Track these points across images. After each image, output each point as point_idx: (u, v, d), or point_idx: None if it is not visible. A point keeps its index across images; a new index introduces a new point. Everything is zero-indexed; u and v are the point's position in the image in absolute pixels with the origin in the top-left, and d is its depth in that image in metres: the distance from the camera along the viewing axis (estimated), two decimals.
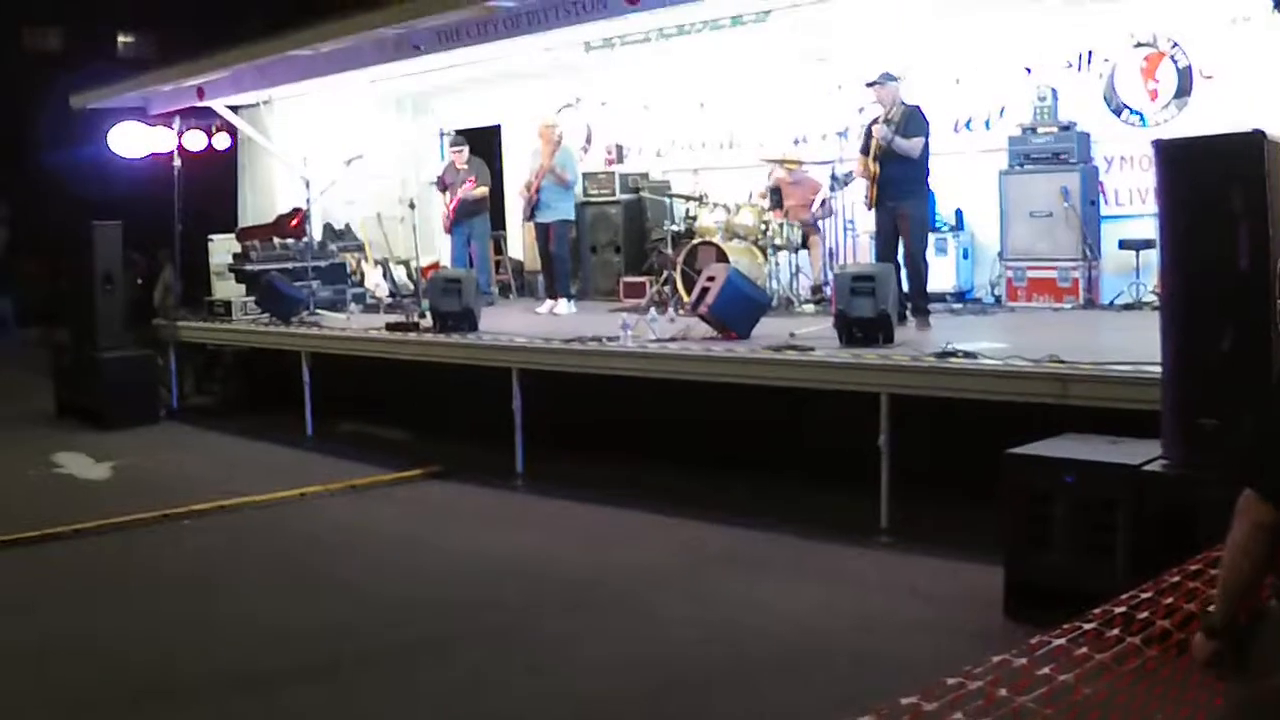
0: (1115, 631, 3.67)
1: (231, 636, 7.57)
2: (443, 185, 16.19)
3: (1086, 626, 3.66)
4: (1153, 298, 11.58)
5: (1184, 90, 12.57)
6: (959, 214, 14.02)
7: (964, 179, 13.59)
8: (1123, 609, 3.80)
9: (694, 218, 14.80)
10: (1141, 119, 12.90)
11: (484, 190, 16.04)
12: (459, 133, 17.41)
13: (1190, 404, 6.62)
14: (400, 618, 7.83)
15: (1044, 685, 3.26)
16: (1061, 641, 3.53)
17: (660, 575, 8.60)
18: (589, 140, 17.42)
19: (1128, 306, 12.34)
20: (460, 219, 15.96)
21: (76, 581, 8.95)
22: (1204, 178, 6.54)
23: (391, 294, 17.18)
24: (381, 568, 9.08)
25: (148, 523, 10.37)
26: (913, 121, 11.58)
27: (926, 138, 11.63)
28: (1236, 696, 3.14)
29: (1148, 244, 11.89)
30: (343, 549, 9.70)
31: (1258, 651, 3.07)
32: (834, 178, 13.64)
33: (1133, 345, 8.50)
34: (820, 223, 14.21)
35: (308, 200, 16.23)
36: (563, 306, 14.72)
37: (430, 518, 10.65)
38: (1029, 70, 13.54)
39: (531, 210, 15.06)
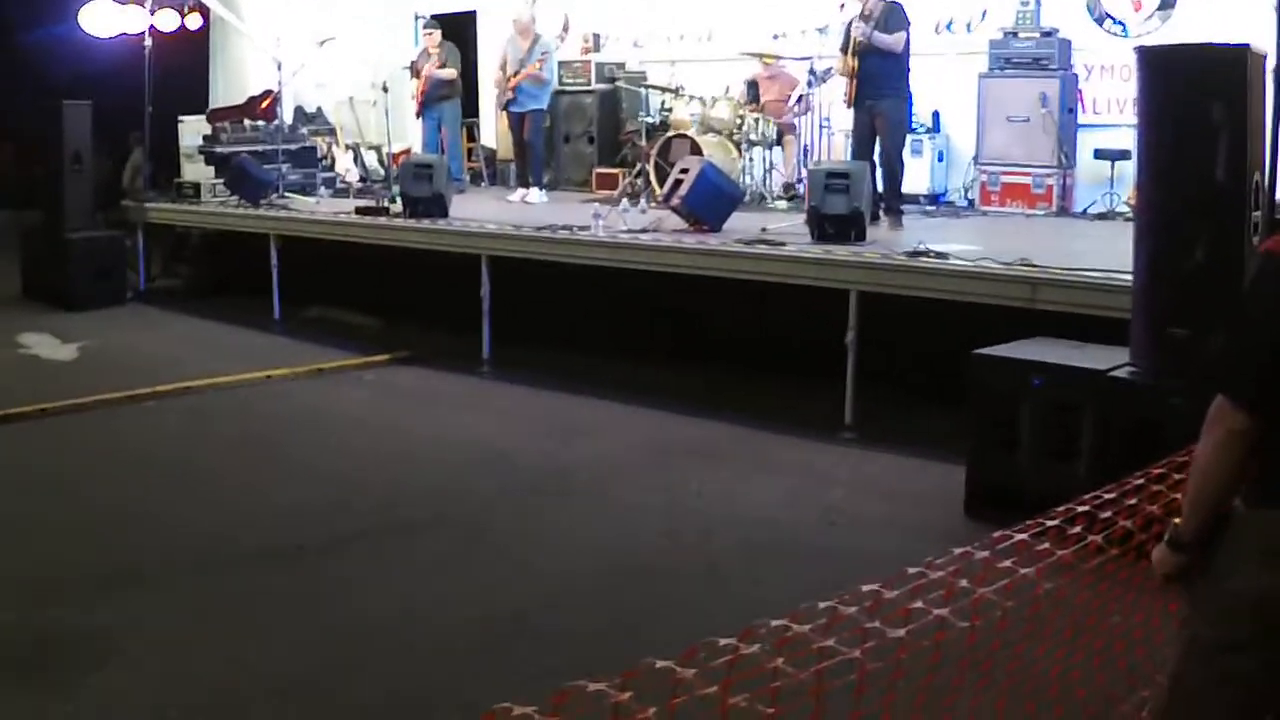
0: (1077, 530, 3.69)
1: (197, 518, 7.57)
2: (416, 71, 16.02)
3: (1049, 524, 3.68)
4: (1126, 209, 11.58)
5: (1168, 2, 12.48)
6: (936, 116, 13.95)
7: (942, 81, 13.49)
8: (1085, 509, 3.82)
9: (669, 110, 14.70)
10: (1124, 29, 12.82)
11: (453, 73, 15.86)
12: (433, 16, 17.21)
13: (1161, 313, 6.64)
14: (366, 502, 7.84)
15: (1005, 578, 3.28)
16: (1024, 537, 3.55)
17: (625, 465, 8.64)
18: (566, 29, 17.23)
19: (1100, 216, 12.32)
20: (430, 103, 15.79)
21: (41, 462, 8.91)
22: (1185, 88, 6.51)
23: (362, 179, 17.07)
24: (345, 452, 9.08)
25: (113, 403, 10.33)
26: (893, 16, 11.46)
27: (908, 33, 11.51)
28: (1198, 598, 3.16)
29: (1123, 154, 11.86)
30: (307, 432, 9.70)
31: (1220, 555, 3.07)
32: (812, 73, 13.55)
33: (1104, 253, 8.52)
34: (796, 120, 14.13)
35: (279, 82, 16.06)
36: (534, 195, 14.63)
37: (396, 403, 10.64)
38: None
39: (506, 102, 14.93)
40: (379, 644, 5.80)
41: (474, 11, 18.62)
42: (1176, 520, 3.20)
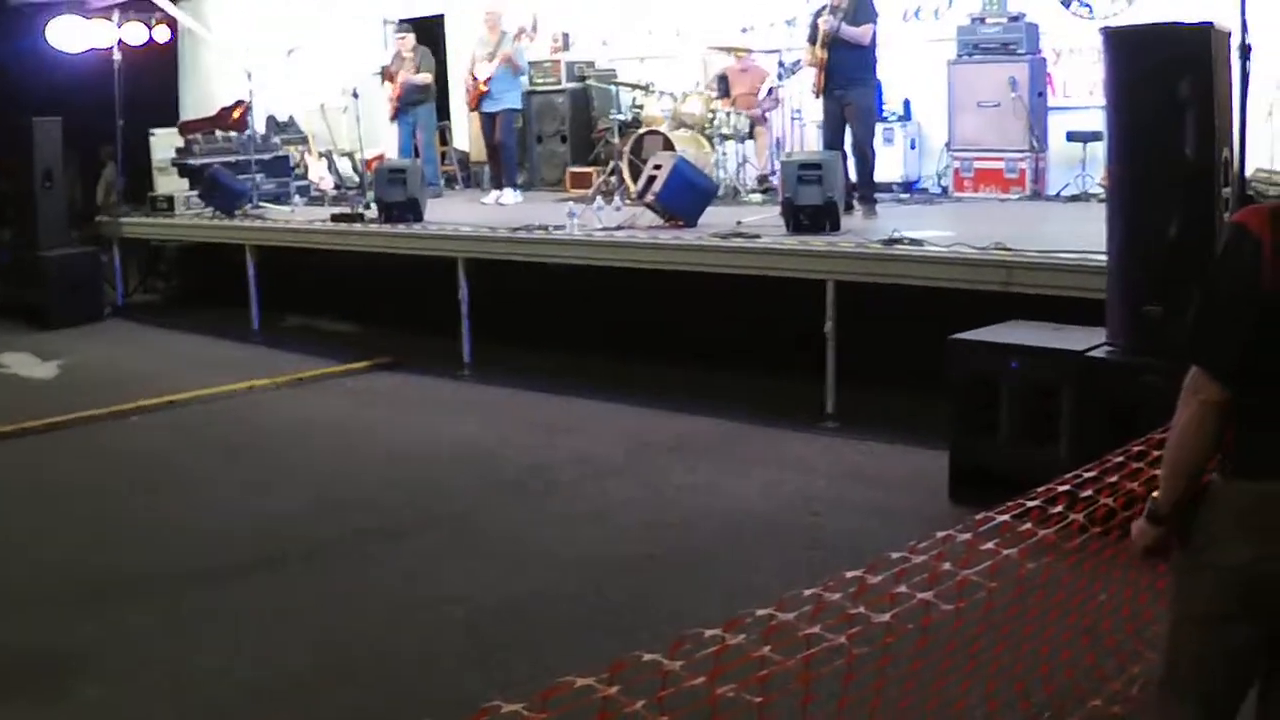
0: (1059, 510, 3.71)
1: (182, 531, 7.57)
2: (388, 76, 15.98)
3: (1030, 505, 3.70)
4: (1099, 190, 11.60)
5: None
6: (906, 104, 13.96)
7: (912, 69, 13.51)
8: (1066, 488, 3.84)
9: (640, 107, 14.71)
10: (1090, 11, 12.84)
11: (428, 77, 15.83)
12: (403, 21, 17.17)
13: (1136, 291, 6.65)
14: (349, 508, 7.85)
15: (988, 560, 3.30)
16: (1006, 519, 3.57)
17: (607, 462, 8.64)
18: (534, 28, 17.20)
19: (1074, 198, 12.33)
20: (405, 108, 15.76)
21: (24, 480, 8.90)
22: (1152, 67, 6.52)
23: (336, 186, 17.06)
24: (330, 459, 9.08)
25: (95, 419, 10.31)
26: (861, 8, 11.48)
27: (875, 24, 11.54)
28: (1180, 572, 3.17)
29: (1095, 136, 11.87)
30: (290, 441, 9.69)
31: (1198, 527, 3.09)
32: (781, 66, 13.57)
33: (1079, 235, 8.55)
34: (767, 112, 14.14)
35: (250, 92, 16.02)
36: (509, 196, 14.61)
37: (378, 409, 10.64)
38: None
39: (478, 100, 14.90)
40: (367, 648, 5.81)
41: (442, 15, 18.59)
42: (1155, 494, 3.22)
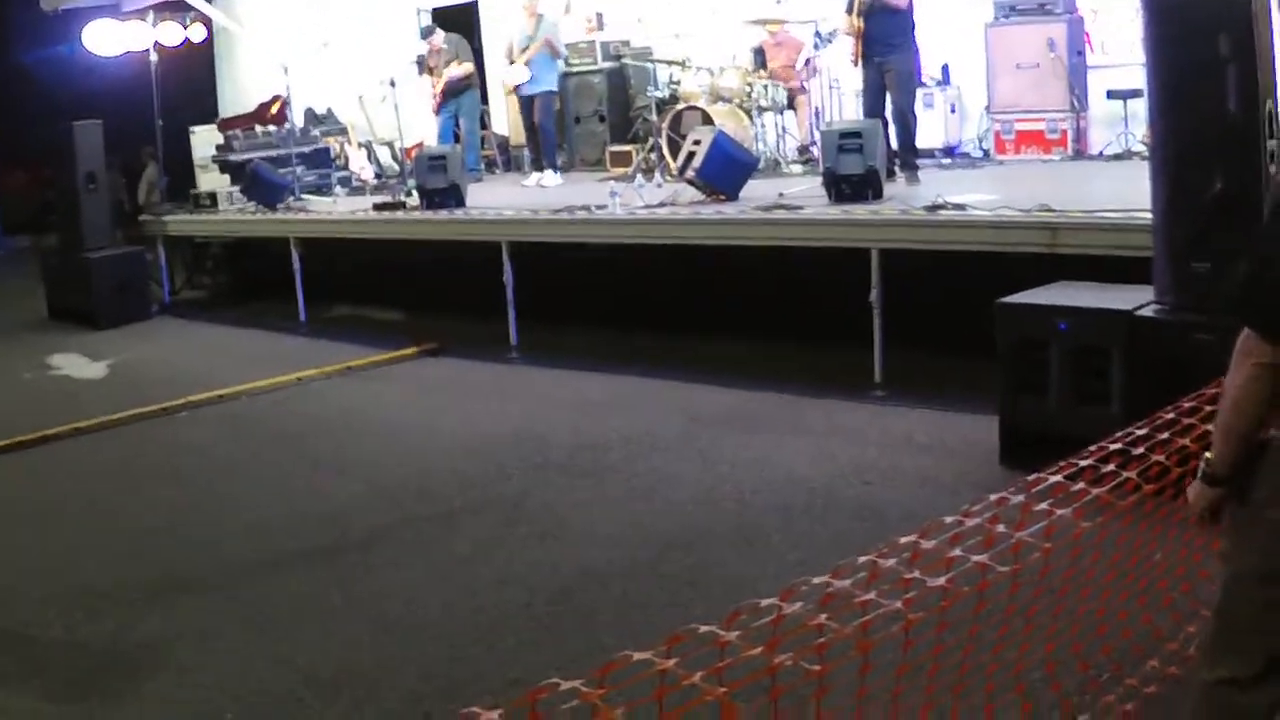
0: (1111, 468, 3.69)
1: (240, 523, 7.64)
2: (428, 68, 16.00)
3: (1083, 465, 3.68)
4: (1141, 147, 11.50)
5: None
6: (945, 68, 13.88)
7: (949, 33, 13.42)
8: (1118, 447, 3.82)
9: (677, 83, 14.69)
10: None
11: (469, 67, 15.85)
12: (434, 10, 17.21)
13: (1182, 248, 6.62)
14: (404, 494, 7.89)
15: (1043, 521, 3.29)
16: (1059, 479, 3.55)
17: (658, 439, 8.64)
18: (568, 10, 17.19)
19: (1117, 156, 12.24)
20: (447, 98, 15.79)
21: (79, 480, 9.00)
22: (1190, 24, 6.48)
23: (377, 175, 17.11)
24: (383, 446, 9.12)
25: (147, 417, 10.41)
26: None
27: None
28: (1238, 530, 3.15)
29: (1135, 93, 11.75)
30: (343, 430, 9.74)
31: (1258, 485, 3.07)
32: (818, 36, 13.51)
33: (1123, 193, 8.49)
34: (805, 82, 14.10)
35: (287, 86, 16.08)
36: (549, 178, 14.63)
37: (428, 395, 10.68)
38: None
39: (516, 84, 14.92)
40: (425, 632, 5.85)
41: (474, 2, 18.60)
42: (1208, 455, 3.19)
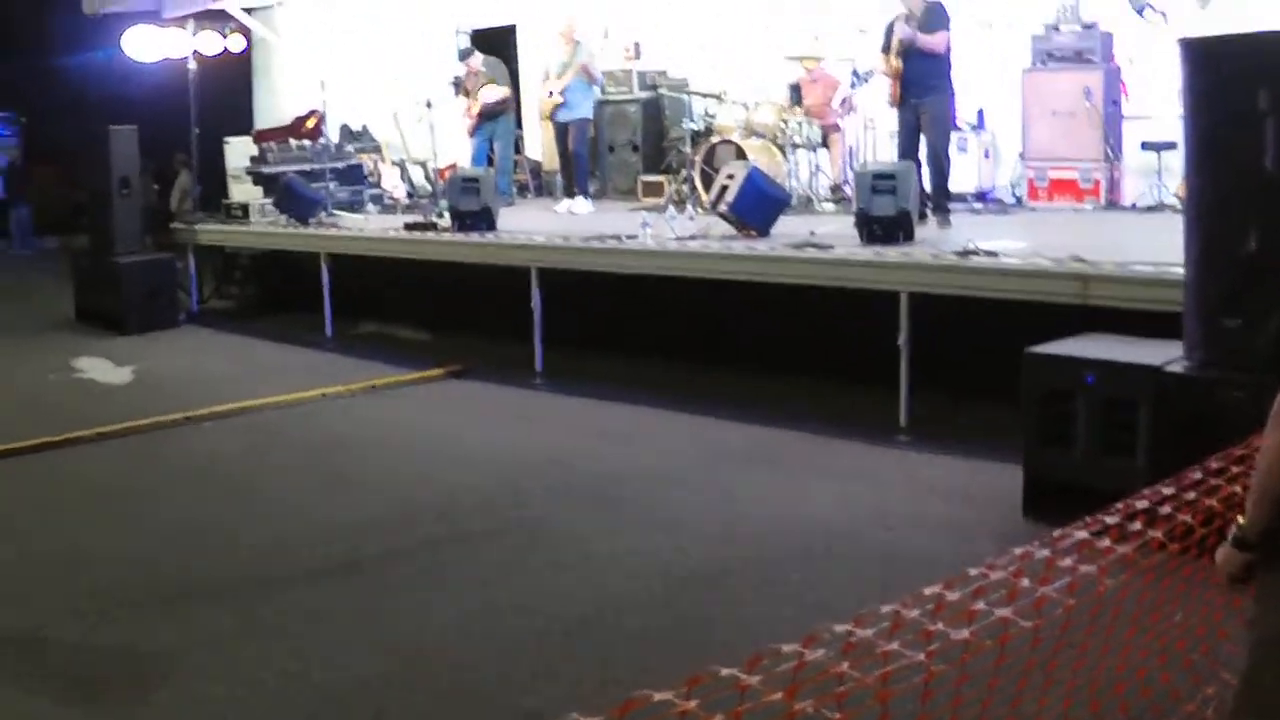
0: (1138, 526, 3.67)
1: (257, 535, 7.65)
2: (465, 90, 16.06)
3: (1109, 521, 3.67)
4: (1174, 200, 11.49)
5: None
6: (980, 113, 13.88)
7: (986, 78, 13.43)
8: (1144, 504, 3.81)
9: (713, 116, 14.72)
10: (1165, 18, 12.73)
11: (505, 91, 15.91)
12: (471, 40, 17.28)
13: (1214, 304, 6.58)
14: (423, 515, 7.89)
15: (1067, 577, 3.27)
16: (1084, 535, 3.54)
17: (681, 472, 8.64)
18: (606, 37, 17.24)
19: (1149, 208, 12.22)
20: (483, 121, 15.84)
21: (100, 485, 9.02)
22: (1230, 77, 6.46)
23: (409, 194, 17.16)
24: (403, 466, 9.13)
25: (169, 424, 10.43)
26: (934, 15, 11.43)
27: (949, 31, 11.47)
28: (1267, 596, 3.13)
29: (1169, 145, 11.75)
30: (365, 448, 9.75)
31: None
32: (855, 74, 13.54)
33: (1155, 246, 8.47)
34: (840, 121, 14.12)
35: (324, 101, 16.15)
36: (581, 205, 14.66)
37: (451, 417, 10.69)
38: None
39: (552, 110, 14.97)
40: (440, 655, 5.84)
41: (513, 25, 18.67)
42: (1240, 519, 3.17)
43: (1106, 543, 3.55)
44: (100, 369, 13.23)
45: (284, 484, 8.87)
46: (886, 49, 11.66)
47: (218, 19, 19.63)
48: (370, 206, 16.67)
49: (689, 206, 13.15)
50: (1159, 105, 12.46)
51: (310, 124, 17.86)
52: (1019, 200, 13.34)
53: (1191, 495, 3.87)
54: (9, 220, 26.96)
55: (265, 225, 16.01)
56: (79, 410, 11.03)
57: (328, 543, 7.44)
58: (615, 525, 7.59)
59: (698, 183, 13.71)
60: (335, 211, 15.78)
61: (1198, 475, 4.03)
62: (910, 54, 11.43)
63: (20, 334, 15.58)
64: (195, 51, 18.62)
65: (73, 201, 24.46)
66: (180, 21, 19.26)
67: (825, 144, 14.19)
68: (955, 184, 12.26)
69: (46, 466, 9.53)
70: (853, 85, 13.66)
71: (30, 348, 14.62)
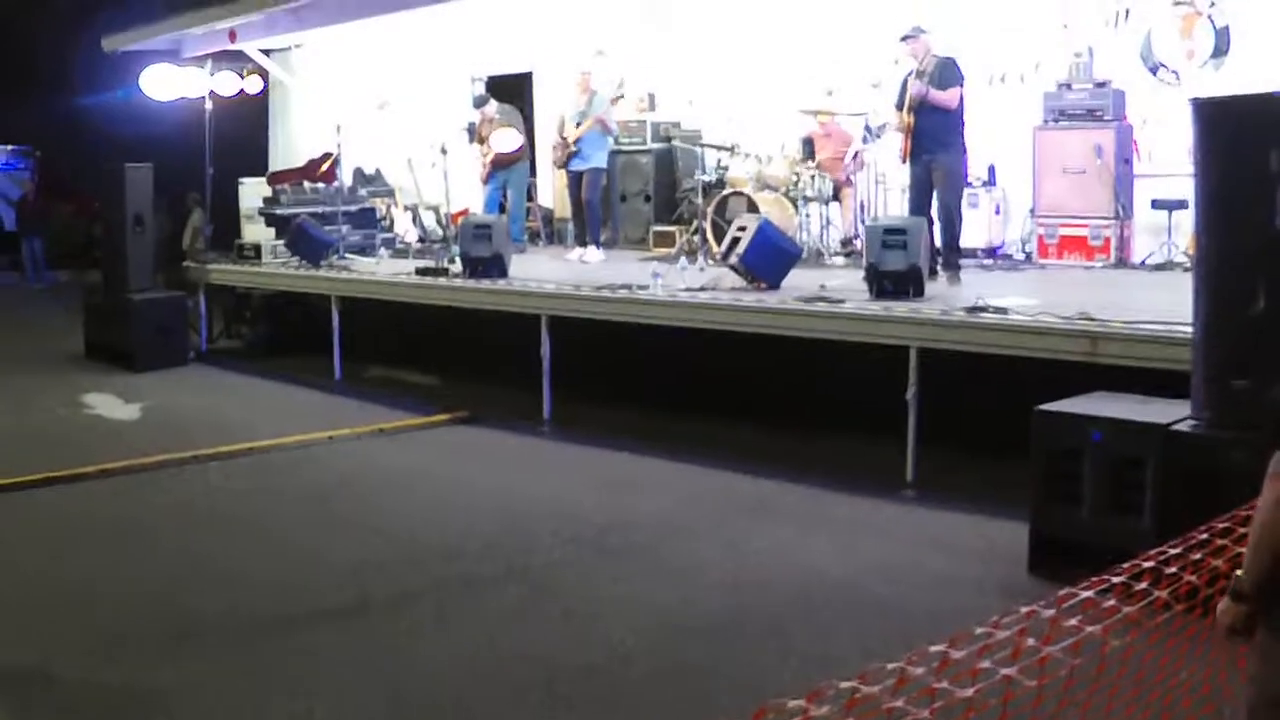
0: (1143, 586, 3.68)
1: (261, 576, 7.65)
2: (478, 137, 16.15)
3: (1115, 580, 3.67)
4: (1184, 259, 11.54)
5: (1221, 50, 12.47)
6: (991, 169, 13.94)
7: (998, 134, 13.48)
8: (1150, 565, 3.81)
9: (725, 168, 14.81)
10: (1177, 77, 12.81)
11: (521, 139, 16.00)
12: (487, 87, 17.39)
13: (1222, 365, 6.60)
14: (429, 560, 7.88)
15: (1071, 636, 3.28)
16: (1089, 594, 3.54)
17: (686, 523, 8.64)
18: (621, 88, 17.34)
19: (1159, 267, 12.27)
20: (496, 168, 15.91)
21: (105, 522, 9.02)
22: (1241, 138, 6.50)
23: (421, 239, 17.22)
24: (410, 510, 9.12)
25: (176, 463, 10.44)
26: (947, 72, 11.49)
27: (961, 87, 11.53)
28: (1263, 652, 3.14)
29: (1180, 204, 11.81)
30: (371, 491, 9.75)
31: None
32: (867, 129, 13.60)
33: (1164, 305, 8.49)
34: (852, 175, 14.18)
35: (338, 145, 16.24)
36: (592, 254, 14.72)
37: (459, 462, 10.69)
38: (1066, 26, 13.43)
39: (567, 159, 15.04)
40: (445, 700, 5.84)
41: (529, 73, 18.78)
42: (1239, 572, 3.19)
43: (1112, 602, 3.56)
44: (109, 405, 13.26)
45: (289, 525, 8.87)
46: (901, 105, 11.70)
47: (236, 60, 19.79)
48: (382, 250, 16.75)
49: (700, 258, 13.20)
50: (1170, 164, 12.51)
51: (324, 167, 17.94)
52: (1029, 256, 13.39)
53: (1197, 555, 3.88)
54: (22, 253, 27.08)
55: (277, 266, 16.07)
56: (86, 446, 11.04)
57: (333, 585, 7.44)
58: (621, 574, 7.59)
59: (709, 234, 13.77)
60: (347, 254, 15.84)
61: (1204, 535, 4.04)
62: (922, 110, 11.47)
63: (30, 367, 15.63)
64: (212, 91, 18.72)
65: (86, 236, 24.60)
66: (199, 61, 19.41)
67: (837, 198, 14.26)
68: (965, 240, 12.28)
69: (52, 501, 9.53)
70: (865, 140, 13.75)
71: (40, 381, 14.65)
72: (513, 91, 17.55)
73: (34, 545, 8.50)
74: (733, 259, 11.43)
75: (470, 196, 16.77)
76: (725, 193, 14.09)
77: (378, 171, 18.84)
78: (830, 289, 10.68)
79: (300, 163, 19.23)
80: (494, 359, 12.99)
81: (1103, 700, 3.93)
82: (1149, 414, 6.97)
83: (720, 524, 8.59)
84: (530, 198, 17.79)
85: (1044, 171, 13.12)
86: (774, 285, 11.18)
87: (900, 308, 9.76)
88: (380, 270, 14.84)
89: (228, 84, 19.50)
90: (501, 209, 15.70)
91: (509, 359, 12.40)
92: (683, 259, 12.89)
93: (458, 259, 13.63)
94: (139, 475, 10.15)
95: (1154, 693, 4.23)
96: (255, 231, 17.79)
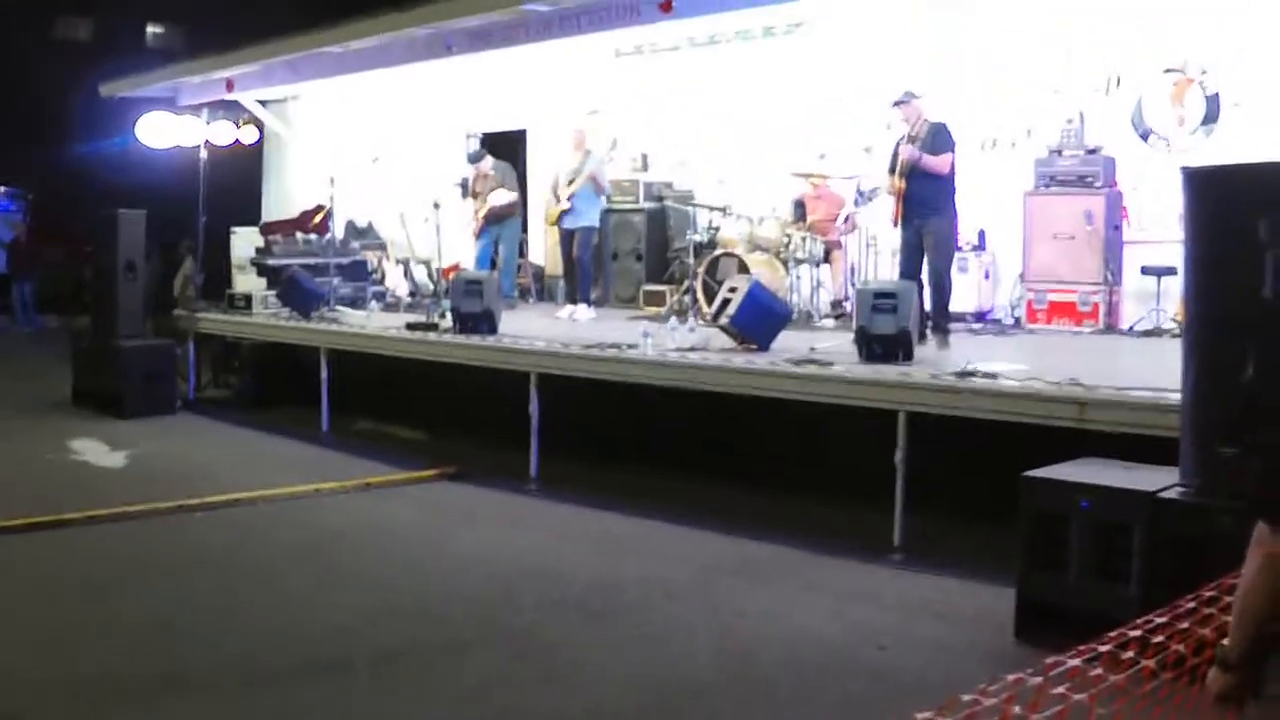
0: (1130, 655, 3.67)
1: (244, 630, 7.59)
2: (472, 192, 16.20)
3: (1102, 649, 3.66)
4: (1173, 325, 11.58)
5: (1212, 117, 12.57)
6: (981, 234, 14.00)
7: (988, 199, 13.55)
8: (1138, 633, 3.81)
9: (717, 228, 14.85)
10: (1168, 144, 12.89)
11: (514, 196, 16.05)
12: (480, 144, 17.46)
13: (1209, 432, 6.60)
14: (413, 618, 7.84)
15: (1059, 705, 3.27)
16: (1077, 662, 3.53)
17: (673, 585, 8.59)
18: (614, 147, 17.42)
19: (1148, 333, 12.31)
20: (489, 224, 15.95)
21: (88, 570, 8.96)
22: (1231, 206, 6.53)
23: (412, 293, 17.25)
24: (394, 567, 9.08)
25: (161, 513, 10.39)
26: (939, 137, 11.55)
27: (953, 153, 11.59)
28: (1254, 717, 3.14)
29: (1169, 271, 11.86)
30: (356, 546, 9.71)
31: (1272, 677, 3.06)
32: (859, 193, 13.67)
33: (1152, 371, 8.50)
34: (843, 238, 14.23)
35: (331, 197, 16.28)
36: (582, 311, 14.74)
37: (444, 519, 10.65)
38: (1058, 92, 13.53)
39: (559, 216, 15.08)
40: None
41: (524, 130, 18.87)
42: (1225, 641, 3.19)
43: (1098, 670, 3.55)
44: (95, 452, 13.23)
45: (274, 578, 8.81)
46: (893, 169, 11.75)
47: (232, 109, 19.87)
48: (373, 303, 16.77)
49: (690, 318, 13.21)
50: (1160, 230, 12.57)
51: (317, 218, 17.99)
52: (1018, 321, 13.44)
53: (1185, 624, 3.87)
54: (12, 296, 27.09)
55: (267, 317, 16.08)
56: (72, 492, 11.00)
57: (316, 641, 7.40)
58: (606, 636, 7.55)
59: (700, 294, 13.79)
60: (338, 307, 15.87)
61: (1191, 603, 4.03)
62: (914, 174, 11.53)
63: (17, 412, 15.61)
64: (207, 140, 18.80)
65: (76, 281, 24.61)
66: (195, 110, 19.49)
67: (827, 260, 14.31)
68: (955, 304, 12.32)
69: (36, 547, 9.47)
70: (856, 203, 13.81)
71: (26, 426, 14.64)
72: (507, 147, 17.62)
73: (17, 591, 8.45)
74: (723, 320, 11.45)
75: (462, 251, 16.81)
76: (717, 253, 14.13)
77: (370, 224, 18.88)
78: (819, 351, 10.70)
79: (293, 214, 19.28)
80: (482, 415, 12.98)
81: None
82: (1136, 481, 6.97)
83: (707, 586, 8.56)
84: (522, 254, 17.83)
85: (1034, 237, 13.19)
86: (764, 347, 11.19)
87: (889, 371, 9.76)
88: (371, 323, 14.84)
89: (223, 133, 19.61)
90: (493, 264, 15.72)
91: (497, 415, 12.39)
92: (673, 319, 12.91)
93: (448, 314, 13.63)
94: (124, 523, 10.11)
95: None
96: (246, 281, 17.82)
